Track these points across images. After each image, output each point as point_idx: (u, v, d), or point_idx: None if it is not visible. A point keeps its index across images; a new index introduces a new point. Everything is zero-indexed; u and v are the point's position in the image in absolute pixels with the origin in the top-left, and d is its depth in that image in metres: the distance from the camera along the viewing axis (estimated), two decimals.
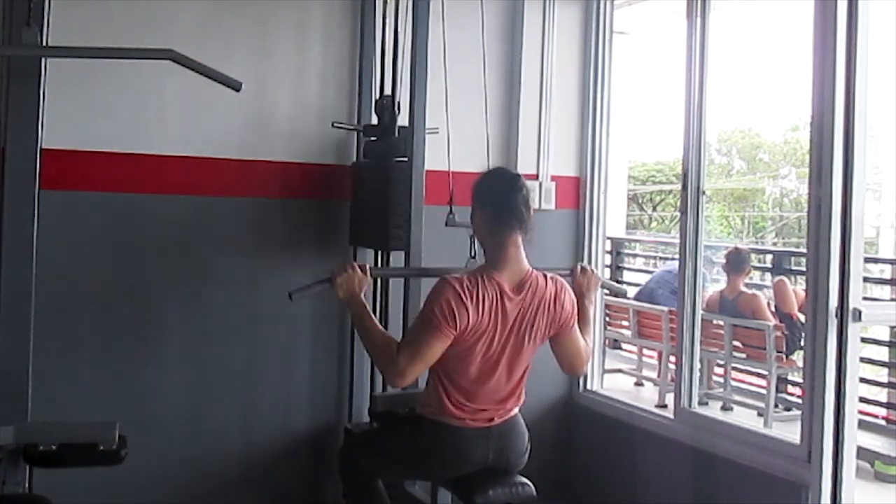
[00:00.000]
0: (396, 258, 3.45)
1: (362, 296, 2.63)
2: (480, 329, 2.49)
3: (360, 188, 3.60)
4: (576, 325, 2.68)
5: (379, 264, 3.59)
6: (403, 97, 3.50)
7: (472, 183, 2.67)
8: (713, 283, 6.32)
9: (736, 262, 5.77)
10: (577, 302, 2.72)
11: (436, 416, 2.60)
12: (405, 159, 3.30)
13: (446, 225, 3.17)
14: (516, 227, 2.55)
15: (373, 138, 3.60)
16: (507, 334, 2.54)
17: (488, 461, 2.62)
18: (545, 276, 2.61)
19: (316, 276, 3.65)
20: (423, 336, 2.48)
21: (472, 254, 2.89)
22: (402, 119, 3.45)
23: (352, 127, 3.71)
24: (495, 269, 2.54)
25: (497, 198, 2.57)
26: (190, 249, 3.57)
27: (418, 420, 2.66)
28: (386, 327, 3.10)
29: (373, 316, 2.64)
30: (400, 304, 3.30)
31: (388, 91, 3.62)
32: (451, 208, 3.21)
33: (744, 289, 5.73)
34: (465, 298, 2.46)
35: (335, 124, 3.63)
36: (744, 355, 5.54)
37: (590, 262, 4.21)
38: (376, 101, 3.61)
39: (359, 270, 2.62)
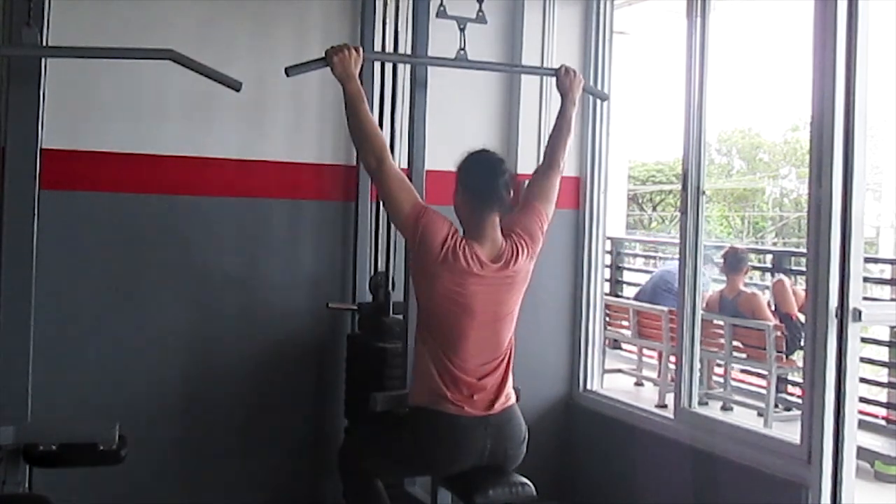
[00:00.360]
0: None
1: (357, 73, 2.65)
2: (450, 272, 2.56)
3: (355, 363, 3.57)
4: (544, 207, 2.82)
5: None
6: (403, 98, 3.50)
7: (456, 161, 2.73)
8: (714, 284, 6.31)
9: (733, 262, 5.78)
10: (562, 101, 3.00)
11: (433, 405, 2.61)
12: (398, 345, 3.27)
13: (437, 16, 3.09)
14: (496, 209, 2.65)
15: (368, 315, 3.57)
16: (485, 286, 2.60)
17: (486, 451, 2.63)
18: (515, 240, 2.68)
19: (317, 274, 3.74)
20: (409, 196, 2.61)
21: (462, 45, 3.02)
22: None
23: (347, 307, 3.70)
24: (476, 241, 2.62)
25: (480, 180, 2.66)
26: (190, 249, 3.57)
27: (416, 413, 2.68)
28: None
29: (366, 102, 2.66)
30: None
31: (387, 92, 3.62)
32: (441, 1, 3.09)
33: (743, 288, 5.72)
34: (448, 238, 2.56)
35: (330, 306, 3.65)
36: (744, 355, 5.54)
37: (590, 263, 4.23)
38: (371, 278, 3.63)
39: (354, 51, 2.64)
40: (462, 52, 3.04)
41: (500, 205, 2.65)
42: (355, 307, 3.65)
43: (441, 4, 3.06)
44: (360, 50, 2.67)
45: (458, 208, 2.71)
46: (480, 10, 3.12)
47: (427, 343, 2.65)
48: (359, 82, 2.65)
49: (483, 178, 2.65)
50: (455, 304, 2.59)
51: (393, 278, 3.55)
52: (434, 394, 2.61)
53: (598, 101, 4.18)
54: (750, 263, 6.04)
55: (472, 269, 2.58)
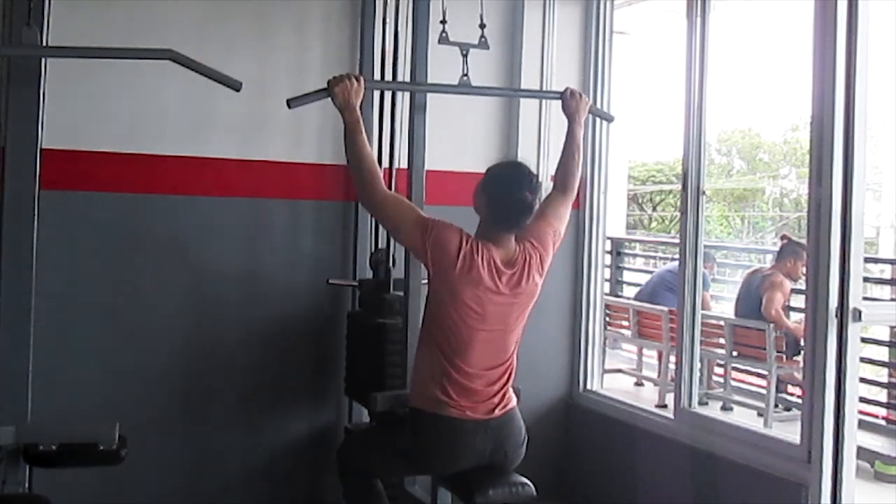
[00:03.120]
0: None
1: (358, 104, 2.65)
2: (477, 287, 2.54)
3: (355, 340, 3.58)
4: (558, 225, 2.79)
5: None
6: (403, 96, 3.50)
7: (486, 167, 2.72)
8: (714, 284, 6.32)
9: (779, 252, 5.77)
10: (568, 123, 2.95)
11: (434, 408, 2.60)
12: (398, 321, 3.27)
13: (439, 42, 3.06)
14: (512, 230, 2.65)
15: (368, 292, 3.56)
16: (500, 301, 2.59)
17: (486, 453, 2.63)
18: (528, 248, 2.67)
19: (316, 274, 3.74)
20: (409, 213, 2.61)
21: (465, 71, 2.97)
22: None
23: (347, 283, 3.71)
24: (491, 241, 2.62)
25: (500, 203, 2.61)
26: (190, 249, 3.57)
27: (416, 415, 2.67)
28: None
29: (364, 133, 2.65)
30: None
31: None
32: (444, 27, 3.05)
33: (769, 272, 5.68)
34: (462, 246, 2.55)
35: (330, 281, 3.65)
36: (735, 353, 5.52)
37: (590, 263, 4.23)
38: (371, 255, 3.62)
39: (355, 81, 2.64)
40: (465, 77, 3.00)
41: (517, 226, 2.64)
42: (356, 283, 3.65)
43: (443, 31, 3.02)
44: (362, 80, 2.67)
45: (478, 209, 2.68)
46: (483, 35, 3.08)
47: (431, 347, 2.63)
48: (358, 112, 2.64)
49: (508, 207, 2.61)
50: (468, 314, 2.57)
51: (394, 255, 3.53)
52: (435, 397, 2.60)
53: (598, 99, 4.18)
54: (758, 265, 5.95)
55: (492, 283, 2.56)
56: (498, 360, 2.65)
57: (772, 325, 5.24)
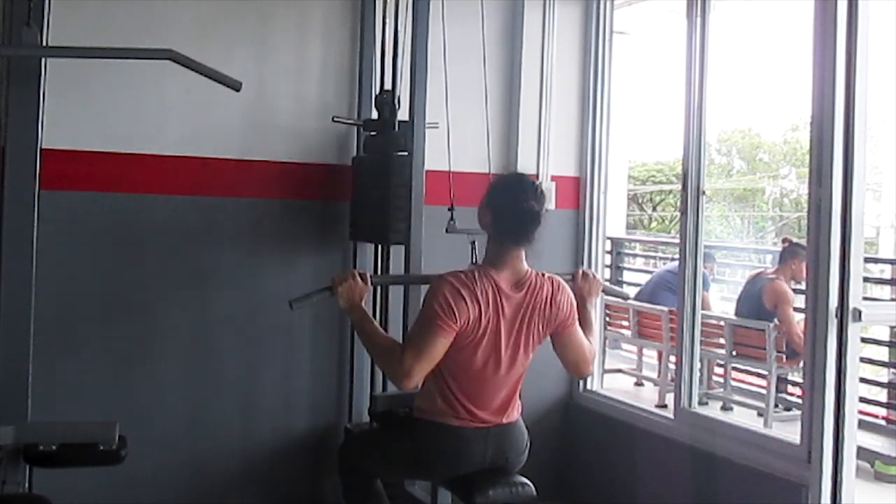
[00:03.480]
0: (396, 252, 3.45)
1: (363, 302, 2.64)
2: (481, 325, 2.50)
3: (361, 183, 3.61)
4: (575, 325, 2.68)
5: (379, 258, 3.62)
6: (403, 97, 3.50)
7: (488, 182, 2.67)
8: (714, 284, 6.30)
9: (782, 254, 5.72)
10: (579, 307, 2.74)
11: (434, 417, 2.59)
12: (405, 153, 3.31)
13: (447, 231, 3.15)
14: (521, 244, 2.57)
15: (373, 133, 3.60)
16: (507, 332, 2.55)
17: (487, 460, 2.62)
18: (542, 276, 2.62)
19: (316, 276, 3.73)
20: (426, 333, 2.49)
21: (474, 260, 2.87)
22: (402, 114, 3.46)
23: (352, 122, 3.73)
24: (494, 268, 2.56)
25: (506, 215, 2.56)
26: (190, 249, 3.57)
27: (419, 422, 2.65)
28: (386, 329, 3.10)
29: (374, 321, 2.65)
30: (400, 307, 3.30)
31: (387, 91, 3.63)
32: (451, 214, 3.18)
33: (772, 275, 5.66)
34: (463, 292, 2.48)
35: (335, 119, 3.64)
36: (736, 353, 5.52)
37: (590, 263, 4.22)
38: (376, 96, 3.62)
39: (359, 280, 2.63)
40: (474, 265, 2.90)
41: (526, 240, 2.57)
42: (361, 123, 3.68)
43: (451, 218, 3.05)
44: (367, 277, 2.65)
45: (484, 227, 2.63)
46: None
47: (441, 372, 2.58)
48: (363, 309, 2.62)
49: (510, 214, 2.55)
50: (472, 348, 2.53)
51: (399, 96, 3.52)
52: (440, 411, 2.58)
53: (598, 99, 4.19)
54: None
55: (494, 303, 2.50)
56: (506, 385, 2.60)
57: (772, 326, 5.24)
